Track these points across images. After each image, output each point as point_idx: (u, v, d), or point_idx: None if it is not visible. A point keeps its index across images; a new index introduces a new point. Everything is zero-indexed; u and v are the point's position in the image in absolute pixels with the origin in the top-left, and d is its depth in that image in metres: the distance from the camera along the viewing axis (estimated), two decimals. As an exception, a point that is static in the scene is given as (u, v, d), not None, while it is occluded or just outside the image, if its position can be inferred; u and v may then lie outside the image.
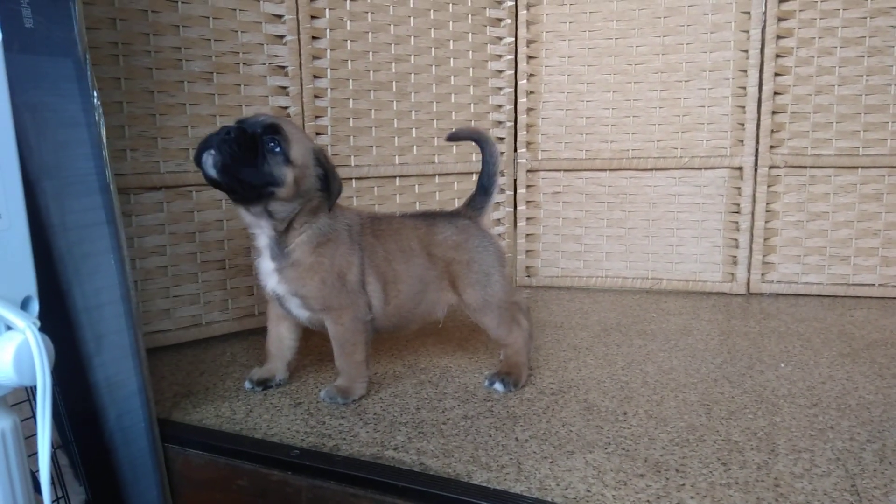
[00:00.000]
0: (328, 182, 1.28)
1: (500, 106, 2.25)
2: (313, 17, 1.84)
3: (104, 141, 1.14)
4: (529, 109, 2.29)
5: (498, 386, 1.39)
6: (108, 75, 1.56)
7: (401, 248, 1.38)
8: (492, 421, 1.24)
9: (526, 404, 1.32)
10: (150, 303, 1.68)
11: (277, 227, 1.27)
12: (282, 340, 1.44)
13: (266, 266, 1.31)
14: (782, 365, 1.54)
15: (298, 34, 1.81)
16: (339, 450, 1.14)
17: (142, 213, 1.64)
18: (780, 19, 2.07)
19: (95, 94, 1.12)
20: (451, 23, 2.10)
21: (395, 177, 2.07)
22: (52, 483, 1.11)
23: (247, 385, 1.43)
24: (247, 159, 1.18)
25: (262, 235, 1.30)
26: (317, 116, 1.88)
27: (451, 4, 2.10)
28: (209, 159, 1.17)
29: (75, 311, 1.11)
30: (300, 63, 1.82)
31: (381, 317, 1.37)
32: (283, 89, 1.81)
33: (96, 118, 1.13)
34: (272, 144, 1.21)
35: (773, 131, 2.13)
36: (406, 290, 1.38)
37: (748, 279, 2.20)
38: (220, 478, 1.19)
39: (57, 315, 1.09)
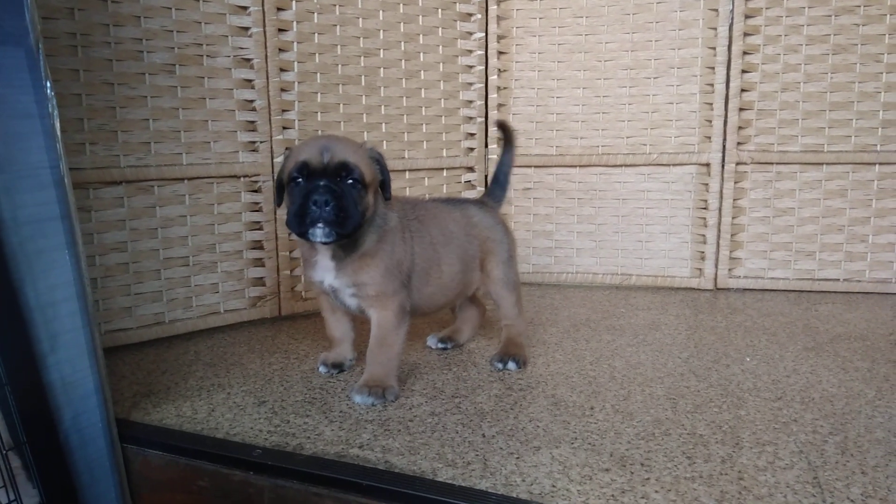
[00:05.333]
0: (385, 176, 1.34)
1: (470, 101, 2.24)
2: (279, 9, 1.81)
3: (58, 133, 1.10)
4: (500, 105, 2.28)
5: (511, 365, 1.47)
6: (66, 66, 1.52)
7: (443, 231, 1.46)
8: (459, 417, 1.23)
9: (493, 400, 1.31)
10: (111, 300, 1.64)
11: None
12: (341, 323, 1.49)
13: (325, 264, 1.33)
14: (748, 359, 1.55)
15: (264, 26, 1.78)
16: (303, 449, 1.12)
17: (101, 208, 1.60)
18: (747, 17, 2.09)
19: (49, 84, 1.09)
20: (420, 17, 2.08)
21: (364, 172, 2.05)
22: (4, 486, 1.08)
23: (322, 369, 1.48)
24: (345, 214, 1.22)
25: None
26: (284, 111, 1.85)
27: (420, -2, 2.08)
28: (319, 232, 1.22)
29: (28, 309, 1.07)
30: (266, 56, 1.79)
31: (419, 298, 1.41)
32: (249, 82, 1.78)
33: (50, 109, 1.09)
34: (351, 183, 1.24)
35: (740, 128, 2.15)
36: (448, 271, 1.45)
37: (715, 274, 2.22)
38: (180, 478, 1.16)
39: (8, 313, 1.05)
